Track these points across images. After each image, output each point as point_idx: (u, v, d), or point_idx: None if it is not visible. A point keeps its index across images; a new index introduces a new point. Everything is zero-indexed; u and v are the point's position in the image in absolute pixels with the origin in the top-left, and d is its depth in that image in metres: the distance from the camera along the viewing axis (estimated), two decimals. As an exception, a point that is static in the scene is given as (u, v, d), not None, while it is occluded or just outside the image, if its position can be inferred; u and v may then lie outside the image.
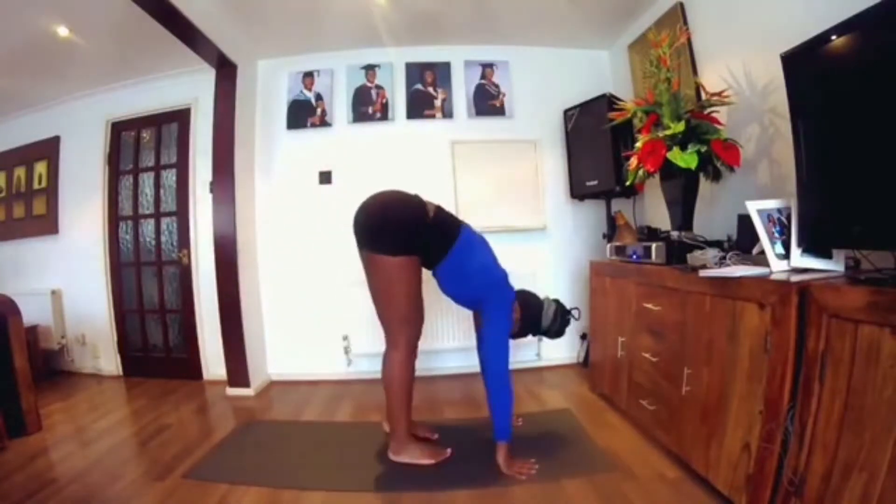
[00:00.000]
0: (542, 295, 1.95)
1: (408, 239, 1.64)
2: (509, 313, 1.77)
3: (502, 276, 1.83)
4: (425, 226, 1.66)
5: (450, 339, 2.87)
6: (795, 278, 1.21)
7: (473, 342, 2.84)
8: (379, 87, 3.03)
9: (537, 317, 1.86)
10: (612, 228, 2.56)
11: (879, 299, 0.94)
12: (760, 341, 1.24)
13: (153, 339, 3.24)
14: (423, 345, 2.56)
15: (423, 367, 2.73)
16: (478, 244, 1.81)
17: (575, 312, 1.95)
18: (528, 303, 1.87)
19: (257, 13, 2.54)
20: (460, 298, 1.81)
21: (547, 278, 3.04)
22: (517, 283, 2.88)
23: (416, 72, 3.04)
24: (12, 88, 3.11)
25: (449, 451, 1.77)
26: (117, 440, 2.12)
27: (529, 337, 2.86)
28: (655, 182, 2.05)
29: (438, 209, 1.76)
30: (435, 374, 2.89)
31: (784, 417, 1.16)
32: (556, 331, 1.90)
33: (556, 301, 1.94)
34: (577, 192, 2.91)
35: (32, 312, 3.00)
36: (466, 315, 2.88)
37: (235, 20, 2.58)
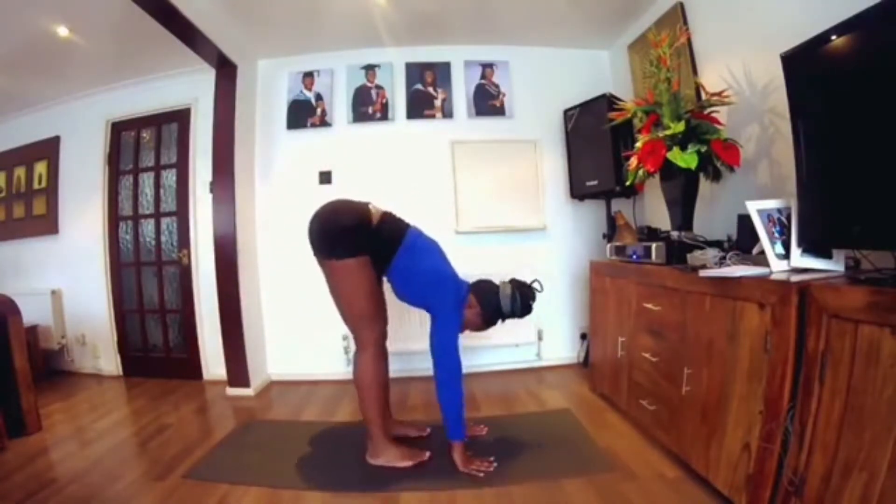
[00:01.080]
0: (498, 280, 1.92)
1: (354, 241, 1.67)
2: (458, 311, 1.76)
3: (449, 275, 1.81)
4: (369, 230, 1.69)
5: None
6: (795, 278, 1.21)
7: (475, 343, 2.87)
8: (379, 87, 3.03)
9: (495, 303, 1.81)
10: (612, 228, 2.56)
11: (879, 299, 0.94)
12: (760, 341, 1.24)
13: (153, 339, 3.23)
14: (412, 345, 2.58)
15: (414, 367, 2.76)
16: (425, 247, 1.81)
17: (536, 285, 1.88)
18: (482, 291, 1.83)
19: (257, 13, 2.54)
20: (411, 300, 1.79)
21: (547, 278, 3.02)
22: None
23: (416, 72, 3.04)
24: (12, 88, 3.11)
25: (428, 453, 1.76)
26: (117, 440, 2.12)
27: (527, 337, 2.91)
28: (655, 182, 2.05)
29: (385, 214, 1.79)
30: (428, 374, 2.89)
31: (784, 417, 1.16)
32: (521, 309, 1.83)
33: (513, 280, 1.89)
34: (577, 192, 2.91)
35: (32, 312, 3.00)
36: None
37: (235, 20, 2.58)
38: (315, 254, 1.74)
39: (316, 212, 1.75)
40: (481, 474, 1.65)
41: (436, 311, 1.72)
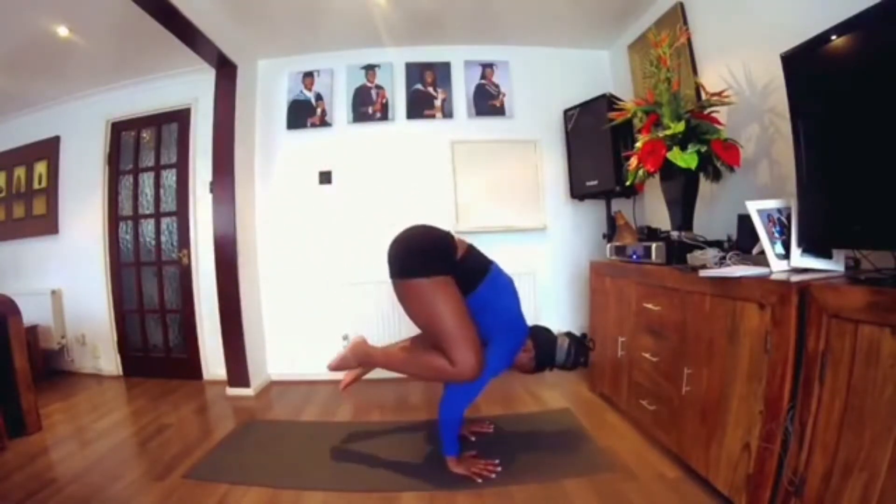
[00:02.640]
0: (556, 329, 1.96)
1: (446, 260, 1.65)
2: (514, 353, 1.79)
3: (518, 317, 1.84)
4: (452, 259, 1.68)
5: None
6: (795, 278, 1.21)
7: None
8: (379, 87, 3.03)
9: (550, 353, 1.85)
10: (612, 228, 2.56)
11: (879, 299, 0.94)
12: (760, 341, 1.24)
13: (153, 339, 3.23)
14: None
15: None
16: (504, 285, 1.81)
17: (590, 344, 1.96)
18: (541, 340, 1.86)
19: (257, 13, 2.54)
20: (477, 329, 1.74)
21: (547, 278, 3.04)
22: (517, 282, 2.91)
23: (416, 72, 3.04)
24: (12, 88, 3.11)
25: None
26: (117, 440, 2.12)
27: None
28: (655, 182, 2.05)
29: (470, 247, 1.79)
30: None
31: (784, 417, 1.16)
32: (572, 363, 1.88)
33: (569, 334, 1.93)
34: (577, 192, 2.91)
35: (32, 312, 3.00)
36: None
37: (235, 20, 2.58)
38: (398, 276, 1.66)
39: (398, 235, 1.74)
40: (493, 475, 1.64)
41: (497, 346, 1.71)
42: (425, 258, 1.64)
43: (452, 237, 1.76)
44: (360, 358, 1.82)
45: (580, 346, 1.90)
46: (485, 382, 1.68)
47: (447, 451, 1.69)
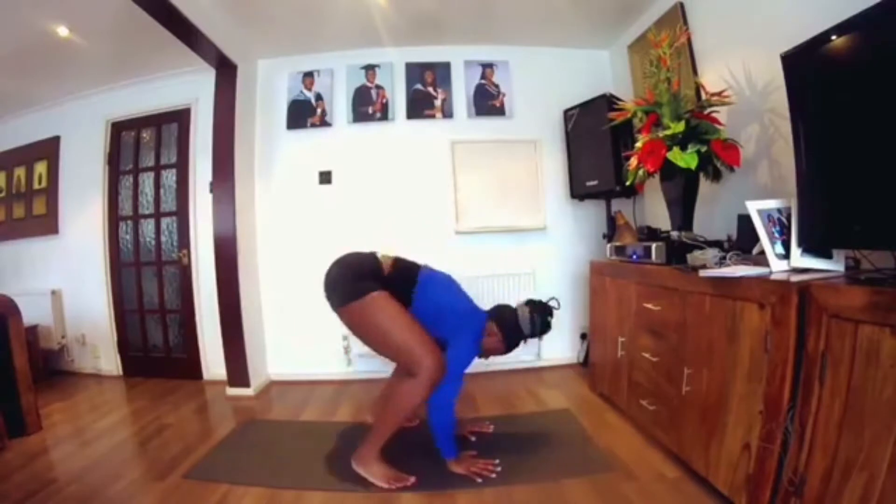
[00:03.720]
0: (515, 302, 1.96)
1: (367, 280, 1.66)
2: (477, 343, 1.80)
3: (469, 307, 1.85)
4: (381, 278, 1.69)
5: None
6: (795, 278, 1.21)
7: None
8: (379, 87, 3.03)
9: (517, 328, 1.84)
10: (612, 228, 2.56)
11: (879, 299, 0.94)
12: (760, 341, 1.24)
13: (153, 339, 3.23)
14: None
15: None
16: (439, 283, 1.82)
17: (553, 302, 1.93)
18: (502, 318, 1.86)
19: (257, 13, 2.54)
20: (435, 335, 1.71)
21: (547, 278, 3.04)
22: (517, 282, 2.94)
23: (416, 72, 3.04)
24: (12, 88, 3.11)
25: (413, 479, 1.62)
26: (117, 440, 2.12)
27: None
28: (655, 182, 2.05)
29: (396, 261, 1.80)
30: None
31: (784, 417, 1.16)
32: (540, 330, 1.87)
33: (529, 301, 1.91)
34: (577, 192, 2.91)
35: (32, 312, 2.99)
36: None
37: (235, 20, 2.57)
38: (336, 306, 1.69)
39: (327, 270, 1.78)
40: (493, 475, 1.64)
41: (456, 341, 1.72)
42: (354, 281, 1.67)
43: (376, 256, 1.78)
44: (373, 460, 1.69)
45: (543, 310, 1.88)
46: (457, 378, 1.67)
47: (446, 454, 1.69)
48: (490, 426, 2.05)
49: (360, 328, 1.67)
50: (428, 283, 1.77)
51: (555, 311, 1.92)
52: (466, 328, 1.78)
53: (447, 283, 1.86)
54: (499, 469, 1.68)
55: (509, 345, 1.87)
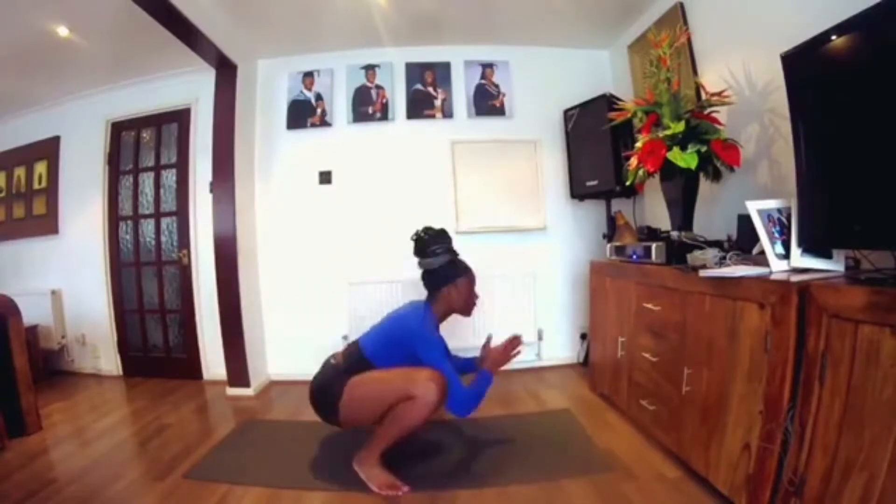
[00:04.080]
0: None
1: (336, 380, 1.69)
2: (431, 330, 1.77)
3: (397, 317, 1.84)
4: (343, 371, 1.72)
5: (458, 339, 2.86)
6: (795, 278, 1.21)
7: (471, 343, 2.87)
8: (379, 87, 3.03)
9: (438, 275, 1.83)
10: (612, 228, 2.56)
11: (879, 299, 0.94)
12: (760, 341, 1.24)
13: (153, 339, 3.23)
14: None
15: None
16: (376, 335, 1.81)
17: (423, 234, 1.90)
18: (429, 281, 1.85)
19: (257, 13, 2.54)
20: (400, 361, 1.71)
21: (547, 278, 3.04)
22: (517, 282, 2.94)
23: (416, 72, 3.04)
24: (12, 88, 3.11)
25: (406, 488, 1.59)
26: (117, 440, 2.12)
27: (527, 337, 2.90)
28: (655, 182, 2.05)
29: (342, 352, 1.83)
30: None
31: (784, 417, 1.16)
32: (437, 235, 1.88)
33: (419, 241, 1.89)
34: (577, 192, 2.91)
35: (32, 312, 2.99)
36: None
37: (235, 20, 2.57)
38: (333, 416, 1.71)
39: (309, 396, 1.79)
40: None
41: (417, 350, 1.69)
42: (327, 390, 1.70)
43: (330, 360, 1.81)
44: (372, 464, 1.68)
45: (432, 234, 1.88)
46: (451, 372, 1.66)
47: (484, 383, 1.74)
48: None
49: (361, 411, 1.66)
50: (368, 346, 1.77)
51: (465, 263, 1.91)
52: (408, 334, 1.74)
53: (382, 327, 1.84)
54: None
55: (448, 276, 1.83)
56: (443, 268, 1.83)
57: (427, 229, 1.90)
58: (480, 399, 1.72)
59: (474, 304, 1.92)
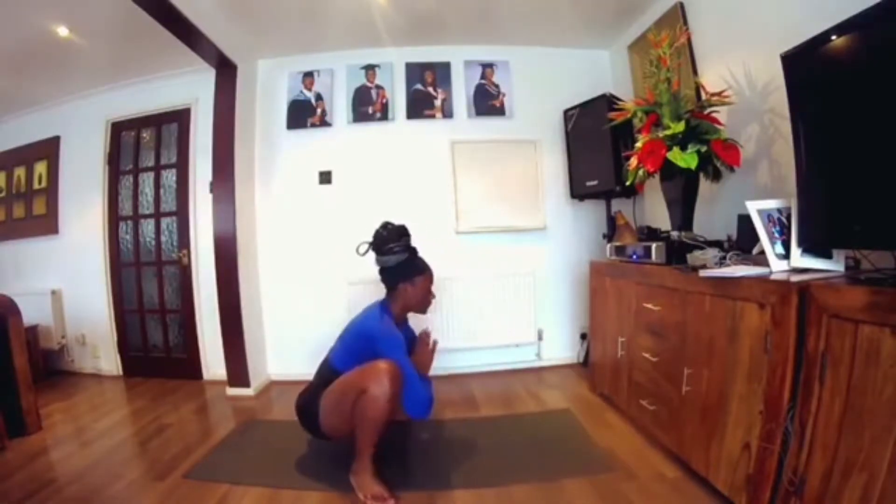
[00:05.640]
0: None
1: (313, 396, 1.72)
2: (379, 324, 1.74)
3: (362, 321, 1.82)
4: (316, 391, 1.74)
5: (458, 340, 2.86)
6: (795, 278, 1.21)
7: (475, 343, 2.88)
8: (379, 87, 3.03)
9: (395, 272, 1.80)
10: (612, 228, 2.56)
11: (879, 299, 0.94)
12: (760, 341, 1.24)
13: (153, 339, 3.23)
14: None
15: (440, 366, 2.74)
16: (343, 346, 1.81)
17: (384, 232, 1.84)
18: (387, 273, 1.82)
19: (257, 13, 2.54)
20: (367, 356, 1.68)
21: (547, 278, 3.04)
22: (517, 282, 2.94)
23: (416, 72, 3.04)
24: (12, 88, 3.11)
25: (392, 501, 1.53)
26: (117, 440, 2.12)
27: (527, 337, 2.92)
28: (655, 182, 2.05)
29: (318, 370, 1.84)
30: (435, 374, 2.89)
31: (784, 417, 1.16)
32: (395, 231, 1.83)
33: (378, 237, 1.84)
34: (577, 192, 2.91)
35: (32, 312, 3.00)
36: (472, 315, 2.89)
37: (235, 20, 2.57)
38: (316, 435, 1.77)
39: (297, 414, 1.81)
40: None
41: (376, 347, 1.67)
42: (309, 415, 1.72)
43: (312, 381, 1.82)
44: (362, 473, 1.64)
45: (395, 231, 1.83)
46: (406, 367, 1.65)
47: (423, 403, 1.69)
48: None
49: (335, 419, 1.66)
50: (336, 360, 1.77)
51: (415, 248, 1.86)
52: (367, 335, 1.73)
53: (343, 339, 1.84)
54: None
55: (405, 274, 1.81)
56: (400, 265, 1.81)
57: (386, 224, 1.87)
58: (431, 403, 1.71)
59: (430, 302, 1.91)
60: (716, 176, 1.87)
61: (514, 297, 2.95)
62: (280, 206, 3.02)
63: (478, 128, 3.04)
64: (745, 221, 1.54)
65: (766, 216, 1.40)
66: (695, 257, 1.62)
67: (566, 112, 2.93)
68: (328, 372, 1.76)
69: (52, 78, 3.02)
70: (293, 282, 3.01)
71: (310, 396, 1.75)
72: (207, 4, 2.36)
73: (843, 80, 1.15)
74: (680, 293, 1.63)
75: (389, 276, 1.83)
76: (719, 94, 1.80)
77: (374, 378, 1.56)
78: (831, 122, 1.20)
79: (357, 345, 1.75)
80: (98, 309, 3.25)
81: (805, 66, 1.26)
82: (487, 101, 3.05)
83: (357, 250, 1.84)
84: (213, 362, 3.03)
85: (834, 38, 1.15)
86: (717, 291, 1.42)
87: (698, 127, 1.79)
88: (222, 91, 2.73)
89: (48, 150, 3.37)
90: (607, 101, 2.56)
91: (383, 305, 1.84)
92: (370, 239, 1.85)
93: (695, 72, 2.19)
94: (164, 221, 3.20)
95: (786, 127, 1.54)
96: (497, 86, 3.07)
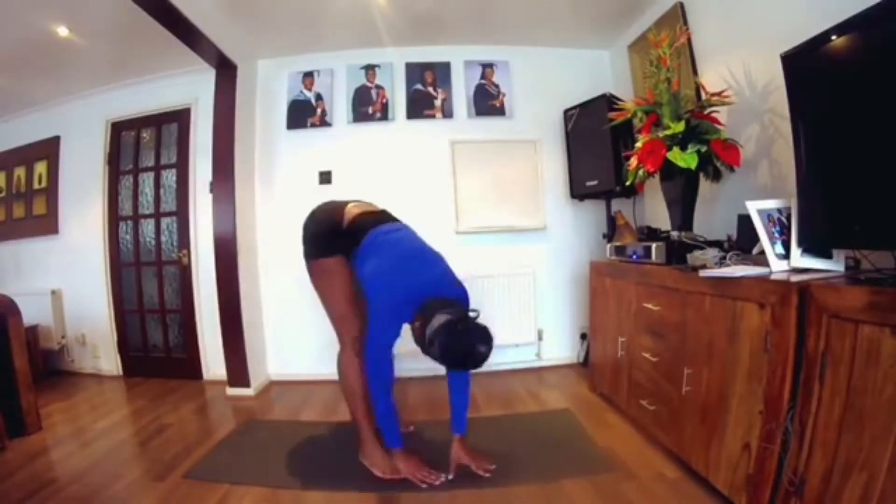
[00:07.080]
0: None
1: (323, 243, 1.71)
2: (387, 315, 1.56)
3: (385, 273, 1.58)
4: (339, 232, 1.71)
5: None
6: (795, 278, 1.21)
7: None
8: (379, 87, 3.03)
9: (426, 328, 1.49)
10: (612, 228, 2.56)
11: (879, 299, 0.94)
12: (760, 341, 1.24)
13: (153, 339, 3.23)
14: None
15: (424, 367, 2.75)
16: (379, 246, 1.63)
17: (482, 347, 1.47)
18: (424, 310, 1.53)
19: (257, 13, 2.54)
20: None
21: (547, 278, 3.04)
22: (517, 282, 2.93)
23: (416, 72, 3.04)
24: (12, 88, 3.11)
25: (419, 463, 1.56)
26: (117, 440, 2.12)
27: (527, 337, 2.91)
28: (655, 182, 2.05)
29: (359, 216, 1.71)
30: (436, 374, 2.89)
31: (784, 417, 1.16)
32: (438, 351, 1.45)
33: (455, 314, 1.48)
34: (577, 192, 2.91)
35: (32, 312, 2.99)
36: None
37: (235, 20, 2.57)
38: (304, 257, 1.79)
39: (305, 221, 1.81)
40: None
41: (370, 312, 1.58)
42: (310, 242, 1.74)
43: (342, 211, 1.71)
44: (371, 449, 1.70)
45: (455, 334, 1.43)
46: (371, 358, 1.56)
47: (387, 443, 1.66)
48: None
49: (313, 283, 1.75)
50: (371, 246, 1.63)
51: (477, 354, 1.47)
52: (377, 300, 1.57)
53: (390, 246, 1.63)
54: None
55: (422, 342, 1.55)
56: (427, 316, 1.60)
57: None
58: (378, 417, 1.64)
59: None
60: (716, 176, 1.87)
61: (514, 297, 2.94)
62: (280, 206, 3.02)
63: (478, 128, 3.04)
64: (745, 221, 1.54)
65: (766, 216, 1.40)
66: (695, 257, 1.62)
67: (566, 112, 2.93)
68: (355, 237, 1.65)
69: (52, 78, 3.02)
70: (293, 282, 3.00)
71: (321, 232, 1.73)
72: (207, 4, 2.36)
73: (843, 80, 1.15)
74: (680, 293, 1.63)
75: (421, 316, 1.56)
76: (719, 94, 1.80)
77: (345, 346, 1.66)
78: (831, 122, 1.20)
79: (363, 280, 1.60)
80: (98, 309, 3.25)
81: (805, 66, 1.26)
82: (487, 101, 3.05)
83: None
84: (213, 362, 3.03)
85: (834, 38, 1.15)
86: (717, 291, 1.42)
87: (698, 127, 1.79)
88: (222, 91, 2.73)
89: (48, 150, 3.37)
90: (607, 101, 2.56)
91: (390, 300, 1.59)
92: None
93: (695, 72, 2.19)
94: (164, 221, 3.19)
95: (786, 127, 1.54)
96: (497, 86, 3.07)
